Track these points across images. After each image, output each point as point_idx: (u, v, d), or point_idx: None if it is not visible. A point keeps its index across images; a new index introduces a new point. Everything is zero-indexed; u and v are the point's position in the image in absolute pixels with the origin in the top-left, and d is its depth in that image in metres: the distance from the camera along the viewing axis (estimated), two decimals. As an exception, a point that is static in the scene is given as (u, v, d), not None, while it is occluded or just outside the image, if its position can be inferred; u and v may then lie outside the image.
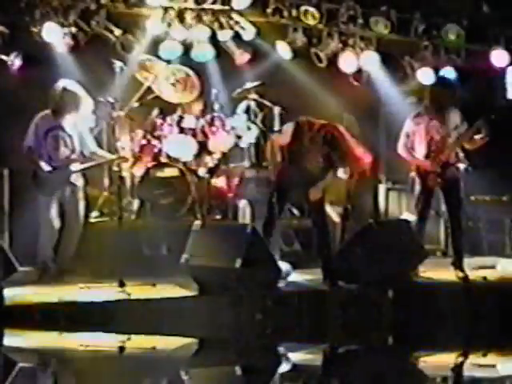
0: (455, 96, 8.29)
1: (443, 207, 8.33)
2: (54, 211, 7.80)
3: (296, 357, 6.72)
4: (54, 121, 7.82)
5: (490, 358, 6.61)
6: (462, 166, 8.27)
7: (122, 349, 6.76)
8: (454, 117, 8.15)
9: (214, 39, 9.89)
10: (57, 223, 7.84)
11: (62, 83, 7.88)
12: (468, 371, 6.29)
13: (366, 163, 7.96)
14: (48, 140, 7.78)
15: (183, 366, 6.33)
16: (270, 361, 6.54)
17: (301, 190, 7.85)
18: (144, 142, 9.40)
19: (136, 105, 9.32)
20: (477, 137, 8.12)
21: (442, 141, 8.09)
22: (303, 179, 7.80)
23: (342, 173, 9.46)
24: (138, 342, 6.94)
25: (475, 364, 6.48)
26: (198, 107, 9.61)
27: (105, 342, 6.91)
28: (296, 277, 8.03)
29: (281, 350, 6.97)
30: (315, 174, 7.80)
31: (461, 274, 8.12)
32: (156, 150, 9.40)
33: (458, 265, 8.16)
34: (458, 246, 8.23)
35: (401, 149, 8.27)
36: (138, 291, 7.44)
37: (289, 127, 7.88)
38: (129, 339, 6.92)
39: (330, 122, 7.87)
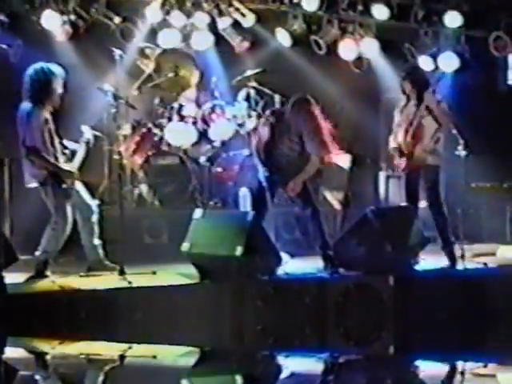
0: (429, 81, 8.23)
1: (443, 194, 8.31)
2: (69, 210, 7.55)
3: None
4: (42, 112, 7.47)
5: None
6: (462, 152, 8.23)
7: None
8: (428, 100, 8.08)
9: (213, 26, 9.87)
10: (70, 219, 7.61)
11: (38, 68, 7.56)
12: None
13: (330, 152, 7.91)
14: (45, 135, 7.45)
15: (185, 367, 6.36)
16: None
17: (284, 180, 7.85)
18: (144, 130, 9.41)
19: (136, 93, 9.32)
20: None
21: (418, 128, 8.07)
22: (285, 167, 7.80)
23: (342, 161, 9.49)
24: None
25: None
26: (193, 93, 9.62)
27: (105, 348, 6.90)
28: (297, 264, 8.04)
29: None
30: (295, 160, 7.80)
31: (449, 259, 8.10)
32: (156, 139, 9.41)
33: (447, 250, 8.13)
34: (444, 232, 8.17)
35: (391, 141, 8.27)
36: (138, 279, 7.45)
37: (264, 125, 7.91)
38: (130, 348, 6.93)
39: (301, 97, 7.83)
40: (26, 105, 7.51)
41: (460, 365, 6.31)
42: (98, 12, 9.49)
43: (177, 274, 7.65)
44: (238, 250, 7.33)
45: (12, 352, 6.76)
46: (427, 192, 8.14)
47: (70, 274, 7.67)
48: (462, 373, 6.17)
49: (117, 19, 9.56)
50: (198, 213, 7.77)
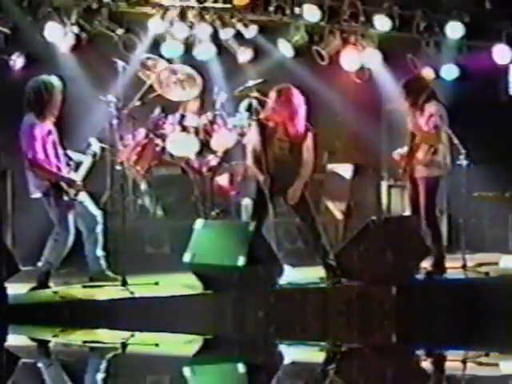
0: (430, 89, 8.24)
1: (445, 204, 8.32)
2: (72, 221, 7.61)
3: (298, 355, 6.74)
4: (45, 124, 7.55)
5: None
6: (464, 162, 8.24)
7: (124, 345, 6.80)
8: (429, 109, 8.08)
9: (215, 37, 9.91)
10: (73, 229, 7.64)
11: (40, 80, 7.65)
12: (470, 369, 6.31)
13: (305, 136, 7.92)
14: (48, 147, 7.53)
15: (186, 363, 6.36)
16: (272, 359, 6.55)
17: (282, 185, 7.85)
18: (146, 140, 9.43)
19: (138, 103, 9.35)
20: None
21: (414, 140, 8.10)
22: (280, 171, 7.80)
23: (344, 172, 9.50)
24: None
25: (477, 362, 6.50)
26: (195, 105, 9.64)
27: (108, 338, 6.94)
28: (299, 274, 8.04)
29: (283, 347, 6.99)
30: (287, 161, 7.81)
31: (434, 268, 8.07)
32: (158, 149, 9.43)
33: (435, 260, 8.10)
34: (435, 243, 8.13)
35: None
36: (140, 289, 7.46)
37: (253, 128, 7.94)
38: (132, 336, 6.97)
39: (285, 87, 7.87)
40: (28, 117, 7.56)
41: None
42: (101, 24, 9.53)
43: (179, 285, 7.65)
44: (240, 260, 7.34)
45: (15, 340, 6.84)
46: (423, 203, 8.11)
47: (72, 285, 7.69)
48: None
49: (119, 31, 9.60)
50: (199, 223, 7.78)
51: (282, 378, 6.06)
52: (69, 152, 7.80)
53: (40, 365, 6.30)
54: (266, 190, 7.74)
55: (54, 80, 7.70)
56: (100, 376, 5.98)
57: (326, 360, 6.61)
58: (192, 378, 6.02)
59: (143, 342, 6.88)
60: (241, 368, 6.32)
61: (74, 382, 5.84)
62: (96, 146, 7.83)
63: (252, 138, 7.97)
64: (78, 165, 7.76)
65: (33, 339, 6.99)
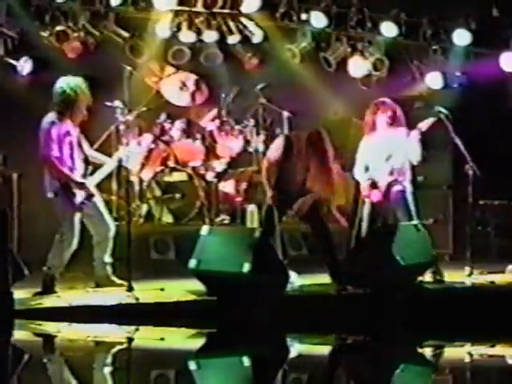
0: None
1: (451, 212, 8.33)
2: (77, 223, 7.59)
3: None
4: (64, 124, 7.55)
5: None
6: (470, 170, 8.25)
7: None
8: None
9: (222, 43, 9.92)
10: (78, 236, 7.62)
11: (65, 81, 7.68)
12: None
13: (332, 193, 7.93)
14: (64, 147, 7.53)
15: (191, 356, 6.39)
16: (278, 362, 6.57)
17: (293, 201, 7.84)
18: (152, 146, 9.44)
19: (144, 109, 9.36)
20: None
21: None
22: (294, 190, 7.79)
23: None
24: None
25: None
26: (201, 111, 9.67)
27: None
28: (304, 281, 8.03)
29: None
30: (304, 186, 7.80)
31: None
32: (164, 155, 9.44)
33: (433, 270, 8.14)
34: None
35: None
36: (146, 295, 7.46)
37: (279, 142, 7.91)
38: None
39: (315, 131, 7.85)
40: (49, 115, 7.56)
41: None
42: (108, 28, 9.55)
43: (184, 291, 7.66)
44: (246, 267, 7.33)
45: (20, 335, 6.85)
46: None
47: (77, 290, 7.69)
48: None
49: (126, 36, 9.62)
50: (205, 229, 7.78)
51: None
52: (93, 152, 7.76)
53: (45, 360, 6.30)
54: (274, 205, 7.73)
55: (81, 82, 7.69)
56: (106, 370, 5.98)
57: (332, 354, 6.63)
58: (197, 371, 6.02)
59: (148, 337, 6.87)
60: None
61: (80, 377, 5.83)
62: (123, 153, 7.76)
63: (274, 152, 7.90)
64: (94, 169, 7.72)
65: (38, 334, 7.00)
